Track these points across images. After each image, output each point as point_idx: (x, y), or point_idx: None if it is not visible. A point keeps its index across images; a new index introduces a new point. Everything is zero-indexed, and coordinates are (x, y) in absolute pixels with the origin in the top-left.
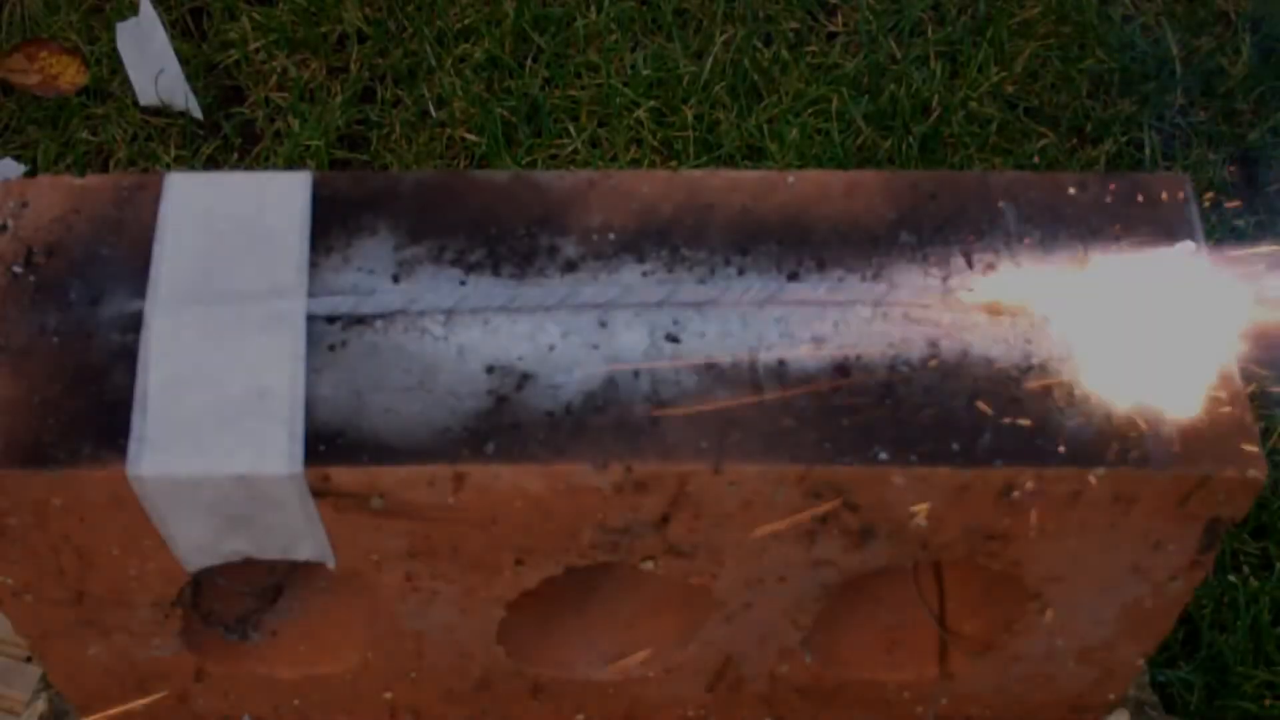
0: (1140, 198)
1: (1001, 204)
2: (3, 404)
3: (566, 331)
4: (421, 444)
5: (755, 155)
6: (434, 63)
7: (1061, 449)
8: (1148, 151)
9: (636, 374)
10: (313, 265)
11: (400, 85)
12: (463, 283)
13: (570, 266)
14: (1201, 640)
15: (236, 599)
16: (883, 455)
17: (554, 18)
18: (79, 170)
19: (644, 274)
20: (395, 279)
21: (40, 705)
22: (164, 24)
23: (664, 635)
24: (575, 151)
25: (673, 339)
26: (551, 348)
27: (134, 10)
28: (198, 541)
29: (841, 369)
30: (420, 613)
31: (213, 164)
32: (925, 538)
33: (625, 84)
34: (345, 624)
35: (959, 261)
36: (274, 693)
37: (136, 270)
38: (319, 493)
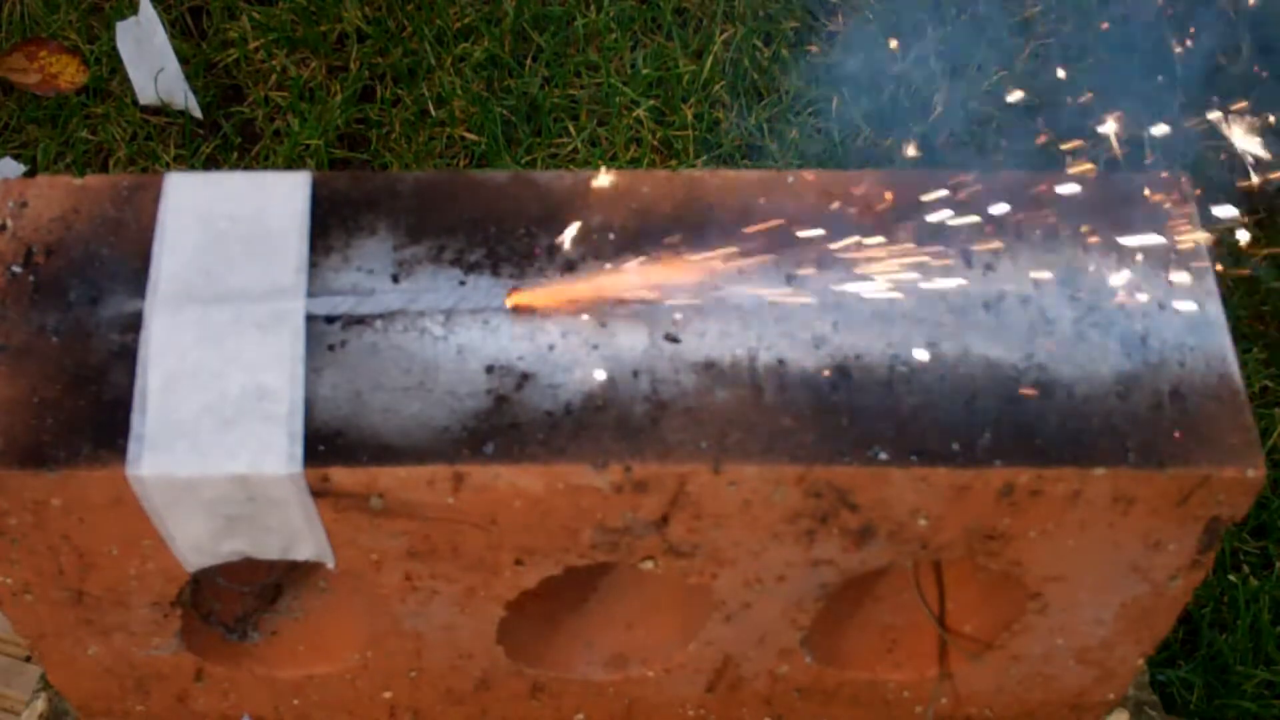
0: (1140, 197)
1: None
2: (3, 404)
3: (566, 331)
4: (421, 444)
5: (755, 155)
6: (434, 62)
7: (1061, 449)
8: (1148, 151)
9: (636, 374)
10: (312, 265)
11: (400, 84)
12: (462, 282)
13: (570, 266)
14: (1201, 640)
15: (236, 599)
16: (883, 455)
17: (554, 17)
18: (79, 170)
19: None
20: (395, 279)
21: (40, 705)
22: (163, 23)
23: (664, 635)
24: (575, 151)
25: (672, 339)
26: (551, 347)
27: (133, 9)
28: (197, 541)
29: (841, 369)
30: (420, 613)
31: (212, 163)
32: (925, 538)
33: (625, 83)
34: (345, 624)
35: (958, 260)
36: (274, 693)
37: (136, 270)
38: (319, 493)
